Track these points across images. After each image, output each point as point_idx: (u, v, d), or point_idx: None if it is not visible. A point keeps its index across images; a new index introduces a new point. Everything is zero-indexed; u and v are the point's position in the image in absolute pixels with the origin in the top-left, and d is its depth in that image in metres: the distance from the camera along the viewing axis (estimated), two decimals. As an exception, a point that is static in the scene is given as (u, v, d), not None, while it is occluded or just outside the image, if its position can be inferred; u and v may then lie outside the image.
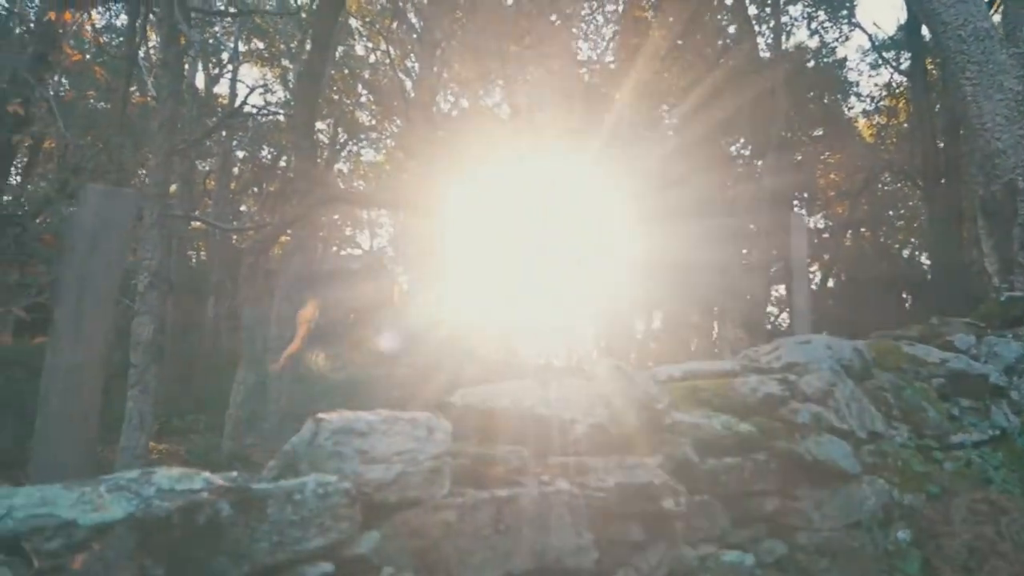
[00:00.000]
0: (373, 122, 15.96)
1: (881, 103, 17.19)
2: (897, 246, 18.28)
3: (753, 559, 3.26)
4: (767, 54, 13.53)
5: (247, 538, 1.78)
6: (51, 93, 10.78)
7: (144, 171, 11.27)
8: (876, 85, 18.54)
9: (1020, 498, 3.73)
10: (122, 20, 14.50)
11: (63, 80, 12.20)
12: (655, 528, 2.95)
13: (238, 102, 16.26)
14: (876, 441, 3.82)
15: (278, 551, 1.84)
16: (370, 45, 16.16)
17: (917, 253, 18.20)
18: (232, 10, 13.74)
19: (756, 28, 13.80)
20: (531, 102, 10.78)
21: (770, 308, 15.23)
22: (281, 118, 15.29)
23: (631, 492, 2.92)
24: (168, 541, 1.69)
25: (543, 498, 2.64)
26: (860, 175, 15.63)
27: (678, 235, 9.49)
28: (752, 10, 13.70)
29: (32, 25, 12.10)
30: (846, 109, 16.82)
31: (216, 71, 16.66)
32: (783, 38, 15.29)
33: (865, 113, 17.38)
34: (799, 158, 13.37)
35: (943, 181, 13.16)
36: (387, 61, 15.68)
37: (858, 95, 17.14)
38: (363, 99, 15.49)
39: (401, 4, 13.77)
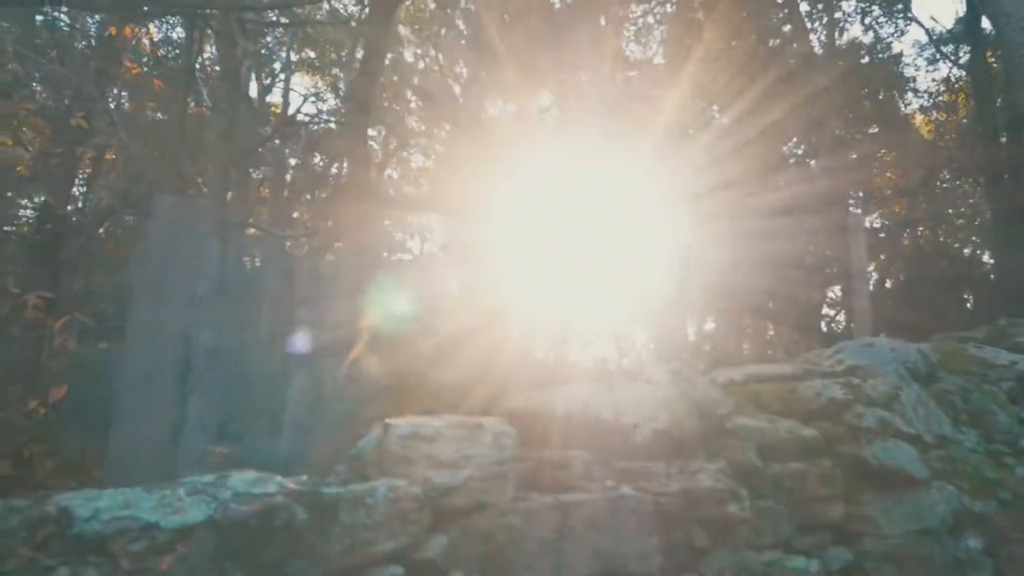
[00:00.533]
0: (422, 128, 16.12)
1: (939, 99, 16.77)
2: (957, 245, 17.79)
3: (819, 565, 3.22)
4: (820, 51, 13.33)
5: (321, 541, 1.82)
6: (112, 106, 11.10)
7: (200, 180, 11.54)
8: (934, 80, 18.09)
9: (1097, 505, 3.61)
10: (178, 33, 14.87)
11: (123, 93, 12.55)
12: (719, 533, 2.92)
13: (291, 111, 16.61)
14: (944, 446, 3.73)
15: (350, 554, 1.87)
16: (419, 52, 16.32)
17: (979, 252, 17.68)
18: (284, 20, 13.99)
19: (808, 25, 13.60)
20: (580, 105, 10.77)
21: (825, 310, 14.96)
22: (333, 126, 15.54)
23: (695, 497, 2.90)
24: (246, 544, 1.73)
25: (607, 503, 2.64)
26: (918, 173, 15.25)
27: (730, 237, 9.38)
28: (804, 7, 13.53)
29: (93, 41, 12.48)
30: (902, 106, 16.43)
31: (268, 81, 16.99)
32: (836, 35, 15.04)
33: (922, 109, 16.96)
34: (854, 157, 13.12)
35: (1006, 177, 12.78)
36: (436, 68, 15.83)
37: (915, 91, 16.73)
38: (412, 105, 15.67)
39: (449, 11, 13.88)
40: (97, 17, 12.34)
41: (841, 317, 15.23)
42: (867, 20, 15.64)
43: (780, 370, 3.88)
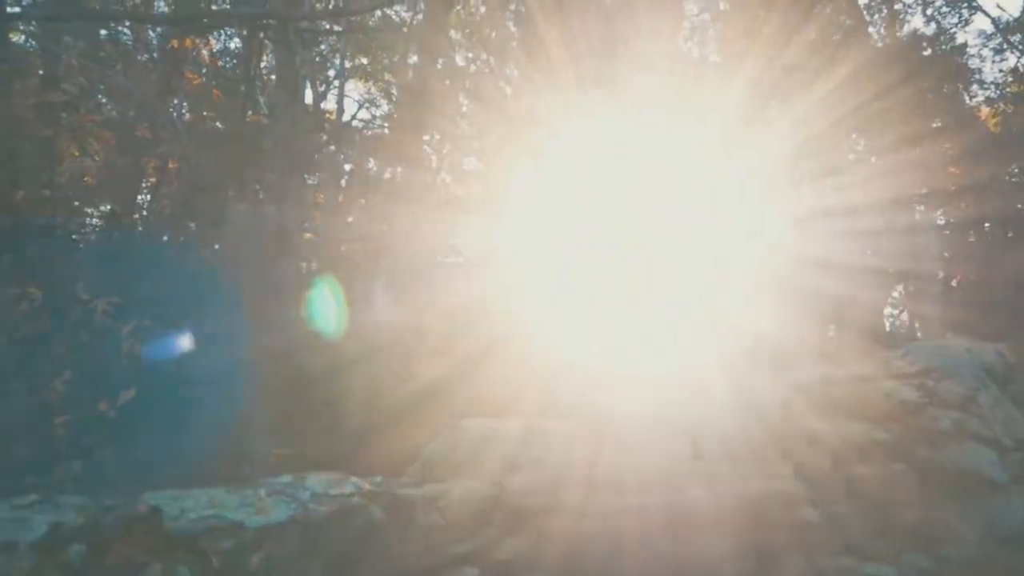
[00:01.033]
0: (474, 131, 16.19)
1: (1007, 90, 16.21)
2: (1028, 243, 17.16)
3: (894, 572, 3.14)
4: (880, 45, 13.00)
5: (398, 541, 1.84)
6: (175, 116, 11.39)
7: (257, 186, 11.77)
8: (1001, 71, 17.47)
9: None
10: (235, 43, 15.19)
11: (184, 103, 12.86)
12: (792, 538, 2.87)
13: (345, 117, 16.85)
14: (1024, 449, 3.61)
15: (427, 555, 1.89)
16: (469, 55, 16.41)
17: (1050, 250, 17.04)
18: (337, 28, 14.19)
19: (868, 18, 13.28)
20: (635, 105, 10.69)
21: (888, 310, 14.58)
22: (386, 131, 15.71)
23: (767, 501, 2.86)
24: (326, 543, 1.75)
25: (680, 506, 2.62)
26: (985, 168, 14.75)
27: (790, 237, 9.22)
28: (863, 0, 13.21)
29: (155, 53, 12.81)
30: (968, 98, 15.94)
31: (323, 88, 17.23)
32: (897, 27, 14.66)
33: (989, 101, 16.41)
34: (918, 153, 12.76)
35: (1078, 171, 12.32)
36: (486, 70, 15.88)
37: (981, 83, 16.20)
38: (464, 108, 15.74)
39: (500, 13, 13.93)
40: (159, 30, 12.67)
41: (903, 318, 14.83)
42: (929, 11, 15.22)
43: (850, 371, 3.81)
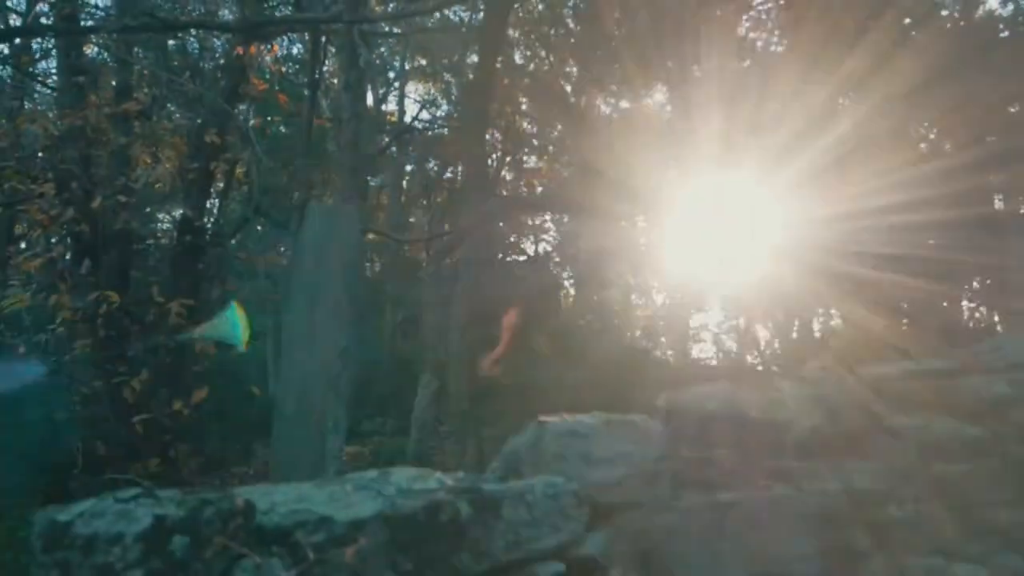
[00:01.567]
0: (534, 129, 16.21)
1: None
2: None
3: (987, 574, 3.02)
4: (954, 28, 12.55)
5: (485, 536, 1.84)
6: (242, 121, 11.64)
7: (318, 190, 11.98)
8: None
9: None
10: (297, 48, 15.49)
11: (250, 109, 13.15)
12: (879, 537, 2.79)
13: (407, 118, 17.04)
14: None
15: (513, 550, 1.88)
16: (528, 53, 16.40)
17: None
18: (396, 30, 14.34)
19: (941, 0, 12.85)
20: (696, 97, 10.56)
21: (965, 304, 14.08)
22: (446, 132, 15.84)
23: (852, 498, 2.78)
24: (414, 538, 1.77)
25: (763, 503, 2.56)
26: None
27: (862, 229, 8.98)
28: (936, -19, 12.77)
29: (221, 60, 13.12)
30: (1049, 81, 15.29)
31: (383, 90, 17.44)
32: (972, 9, 14.13)
33: (1071, 84, 15.73)
34: (996, 141, 12.29)
35: None
36: (545, 68, 15.87)
37: (1062, 64, 15.53)
38: (524, 106, 15.75)
39: (559, 11, 13.90)
40: (224, 38, 12.97)
41: (982, 312, 14.31)
42: (1006, -9, 14.63)
43: (934, 366, 3.67)
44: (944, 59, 9.64)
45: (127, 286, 9.86)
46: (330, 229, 2.77)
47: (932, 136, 12.91)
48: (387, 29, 14.02)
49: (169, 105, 12.71)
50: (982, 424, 3.24)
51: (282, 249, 14.01)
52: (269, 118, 13.35)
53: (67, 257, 11.43)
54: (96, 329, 8.94)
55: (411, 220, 17.32)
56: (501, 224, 13.45)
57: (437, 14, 13.98)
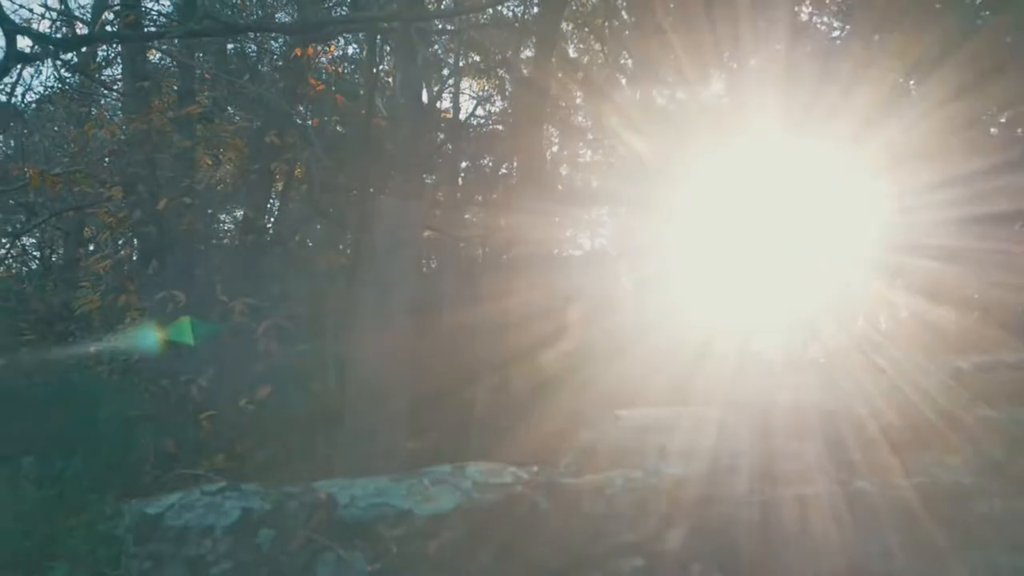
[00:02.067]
0: (589, 122, 16.11)
1: None
2: None
3: (1082, 574, 2.88)
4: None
5: (564, 530, 1.82)
6: (301, 121, 11.81)
7: (377, 188, 12.07)
8: None
9: None
10: (352, 48, 15.64)
11: (307, 109, 13.33)
12: (964, 533, 2.68)
13: (461, 115, 17.09)
14: None
15: (593, 544, 1.85)
16: (582, 46, 16.31)
17: None
18: (450, 27, 14.38)
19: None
20: (755, 86, 10.36)
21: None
22: (500, 127, 15.85)
23: (935, 493, 2.68)
24: (492, 530, 1.75)
25: (844, 497, 2.49)
26: None
27: (929, 223, 8.71)
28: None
29: (279, 62, 13.32)
30: None
31: (437, 87, 17.50)
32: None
33: None
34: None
35: None
36: (599, 60, 15.76)
37: None
38: (578, 100, 15.67)
39: (614, 1, 13.79)
40: (281, 40, 13.17)
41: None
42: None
43: (1015, 358, 3.53)
44: (1018, 43, 9.27)
45: (192, 286, 10.07)
46: (400, 227, 2.76)
47: (1003, 121, 12.44)
48: (440, 26, 14.07)
49: (229, 108, 12.97)
50: (1072, 417, 3.09)
51: (340, 247, 14.19)
52: (326, 118, 13.51)
53: (134, 258, 11.76)
54: (163, 328, 9.16)
55: (466, 216, 17.36)
56: (557, 219, 13.40)
57: (490, 10, 13.98)
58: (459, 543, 1.70)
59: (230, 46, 12.97)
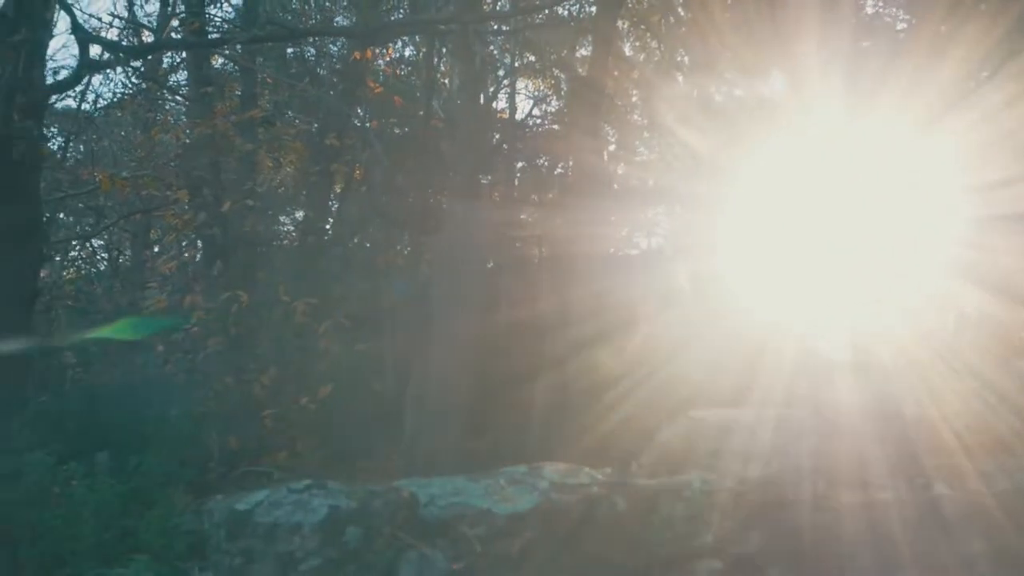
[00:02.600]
0: (646, 121, 15.98)
1: None
2: None
3: None
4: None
5: (641, 531, 1.82)
6: (359, 124, 11.96)
7: (431, 188, 12.17)
8: None
9: None
10: (409, 51, 15.78)
11: (366, 112, 13.48)
12: (1052, 542, 2.60)
13: (518, 115, 17.11)
14: None
15: (671, 545, 1.85)
16: (638, 44, 16.18)
17: None
18: (505, 28, 14.39)
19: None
20: (817, 82, 10.14)
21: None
22: (556, 127, 15.81)
23: (1020, 500, 2.60)
24: (570, 531, 1.76)
25: (921, 502, 2.43)
26: None
27: (997, 221, 8.44)
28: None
29: (337, 65, 13.50)
30: None
31: (493, 88, 17.53)
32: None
33: None
34: None
35: None
36: (655, 58, 15.61)
37: None
38: (635, 99, 15.55)
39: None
40: (339, 43, 13.36)
41: None
42: None
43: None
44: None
45: (255, 286, 10.28)
46: (467, 228, 2.79)
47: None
48: (496, 27, 14.10)
49: (289, 111, 13.20)
50: None
51: (398, 247, 14.34)
52: (384, 120, 13.65)
53: (198, 259, 12.05)
54: (227, 328, 9.36)
55: (523, 216, 17.36)
56: (613, 218, 13.34)
57: (546, 10, 13.96)
58: (539, 543, 1.71)
59: (290, 50, 13.18)
